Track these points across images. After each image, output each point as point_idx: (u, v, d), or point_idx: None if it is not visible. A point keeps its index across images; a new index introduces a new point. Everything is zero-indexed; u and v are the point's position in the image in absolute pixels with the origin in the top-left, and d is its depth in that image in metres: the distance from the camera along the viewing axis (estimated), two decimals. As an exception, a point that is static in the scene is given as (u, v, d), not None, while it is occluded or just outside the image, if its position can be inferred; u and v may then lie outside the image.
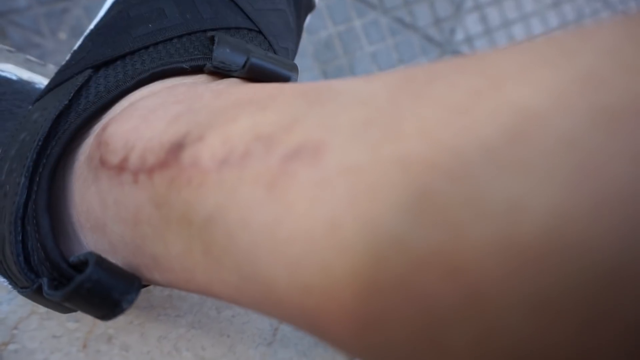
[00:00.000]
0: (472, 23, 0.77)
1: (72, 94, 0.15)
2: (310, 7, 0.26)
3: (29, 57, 0.24)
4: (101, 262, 0.14)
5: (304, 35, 0.67)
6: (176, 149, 0.12)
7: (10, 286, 0.19)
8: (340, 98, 0.10)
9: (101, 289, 0.13)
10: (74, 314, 0.23)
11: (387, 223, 0.07)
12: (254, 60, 0.15)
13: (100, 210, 0.14)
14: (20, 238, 0.15)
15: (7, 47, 0.24)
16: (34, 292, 0.15)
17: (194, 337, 0.25)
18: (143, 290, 0.24)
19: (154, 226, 0.13)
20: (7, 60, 0.24)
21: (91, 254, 0.14)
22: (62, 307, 0.16)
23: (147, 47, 0.16)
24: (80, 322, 0.23)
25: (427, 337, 0.07)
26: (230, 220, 0.10)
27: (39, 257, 0.14)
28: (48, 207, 0.14)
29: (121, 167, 0.14)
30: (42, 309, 0.22)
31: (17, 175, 0.15)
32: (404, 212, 0.07)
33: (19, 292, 0.17)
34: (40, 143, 0.15)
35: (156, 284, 0.15)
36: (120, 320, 0.24)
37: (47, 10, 0.57)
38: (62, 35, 0.57)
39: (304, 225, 0.09)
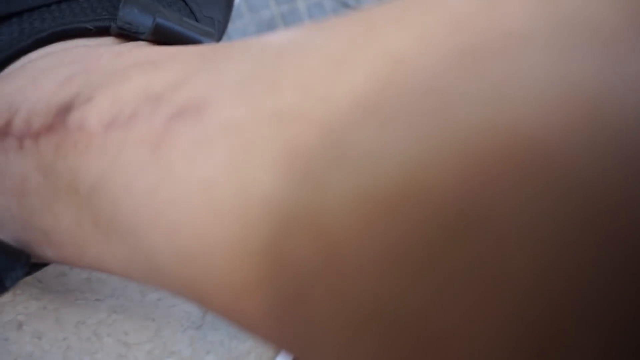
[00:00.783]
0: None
1: None
2: None
3: None
4: None
5: (247, 15, 0.66)
6: (64, 111, 0.11)
7: None
8: (233, 56, 0.10)
9: None
10: (-23, 299, 0.21)
11: (259, 183, 0.07)
12: (160, 20, 0.14)
13: None
14: None
15: None
16: None
17: (116, 322, 0.24)
18: (58, 273, 0.23)
19: (42, 197, 0.12)
20: None
21: None
22: None
23: (49, 5, 0.15)
24: (-16, 309, 0.21)
25: (295, 308, 0.07)
26: (115, 186, 0.10)
27: None
28: None
29: (4, 132, 0.12)
30: (-62, 294, 0.20)
31: None
32: (275, 170, 0.07)
33: None
34: None
35: (49, 261, 0.14)
36: (32, 305, 0.22)
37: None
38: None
39: (182, 188, 0.08)
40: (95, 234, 0.11)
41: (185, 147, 0.09)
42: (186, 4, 0.18)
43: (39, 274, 0.22)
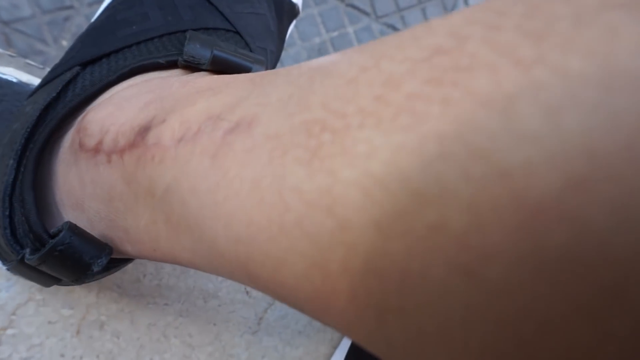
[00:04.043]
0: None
1: (59, 88, 0.17)
2: (293, 13, 0.28)
3: (28, 61, 0.26)
4: (74, 228, 0.15)
5: (298, 42, 0.69)
6: (144, 131, 0.14)
7: (5, 268, 0.21)
8: (277, 80, 0.12)
9: (73, 251, 0.15)
10: (68, 301, 0.24)
11: (289, 177, 0.09)
12: (216, 52, 0.17)
13: (79, 190, 0.16)
14: (8, 213, 0.16)
15: (8, 52, 0.26)
16: (19, 263, 0.16)
17: (182, 325, 0.26)
18: (133, 279, 0.26)
19: (124, 201, 0.15)
20: (8, 64, 0.25)
21: (66, 223, 0.15)
22: (43, 275, 0.17)
23: (130, 46, 0.18)
24: (74, 309, 0.24)
25: (314, 279, 0.09)
26: (183, 189, 0.12)
27: (24, 229, 0.16)
28: (33, 186, 0.16)
29: (97, 149, 0.15)
30: (38, 295, 0.24)
31: (7, 158, 0.17)
32: (302, 166, 0.09)
33: (7, 267, 0.19)
34: (29, 130, 0.17)
35: (129, 256, 0.16)
36: (112, 307, 0.25)
37: (50, 19, 0.59)
38: (64, 43, 0.59)
39: (235, 186, 0.10)
40: (167, 230, 0.13)
41: (238, 154, 0.11)
42: (241, 37, 0.20)
43: (117, 280, 0.26)
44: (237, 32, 0.20)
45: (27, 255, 0.16)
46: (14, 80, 0.24)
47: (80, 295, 0.24)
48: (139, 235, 0.15)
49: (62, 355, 0.24)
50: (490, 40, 0.07)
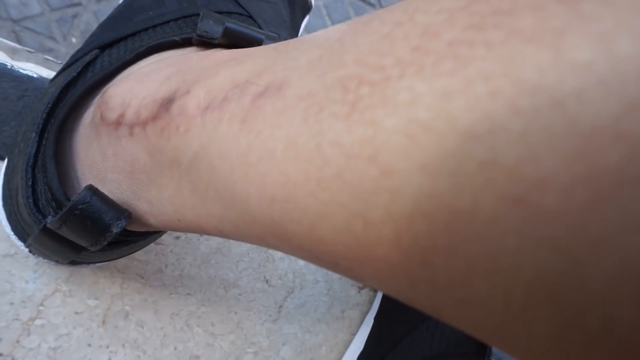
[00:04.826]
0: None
1: (80, 69, 0.18)
2: (306, 8, 0.28)
3: (47, 56, 0.26)
4: (94, 190, 0.16)
5: (304, 34, 0.69)
6: (167, 103, 0.14)
7: (26, 249, 0.21)
8: (303, 46, 0.12)
9: (92, 210, 0.15)
10: (93, 291, 0.25)
11: (327, 132, 0.09)
12: (228, 24, 0.17)
13: (101, 163, 0.16)
14: (31, 183, 0.17)
15: (26, 49, 0.26)
16: (40, 232, 0.17)
17: (204, 314, 0.27)
18: (155, 270, 0.26)
19: (148, 173, 0.15)
20: (27, 59, 0.26)
21: (87, 185, 0.16)
22: (63, 245, 0.17)
23: (146, 29, 0.18)
24: (99, 300, 0.25)
25: (356, 229, 0.09)
26: (212, 154, 0.12)
27: (46, 198, 0.16)
28: (55, 156, 0.17)
29: (118, 122, 0.16)
30: (65, 287, 0.24)
31: (29, 132, 0.17)
32: (340, 120, 0.09)
33: (27, 245, 0.19)
34: (50, 106, 0.17)
35: (151, 228, 0.16)
36: (136, 298, 0.25)
37: (59, 16, 0.59)
38: (74, 40, 0.59)
39: (268, 147, 0.11)
40: (193, 199, 0.13)
41: (269, 116, 0.11)
42: (255, 21, 0.21)
43: (140, 271, 0.26)
44: (251, 16, 0.20)
45: (48, 220, 0.16)
46: (35, 75, 0.25)
47: (105, 286, 0.25)
48: (163, 207, 0.15)
49: (89, 345, 0.24)
50: None
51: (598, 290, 0.06)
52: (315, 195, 0.09)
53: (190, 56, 0.17)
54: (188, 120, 0.13)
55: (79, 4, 0.60)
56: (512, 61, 0.07)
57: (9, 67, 0.24)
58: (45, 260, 0.20)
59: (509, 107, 0.07)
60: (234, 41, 0.18)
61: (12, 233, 0.20)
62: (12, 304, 0.23)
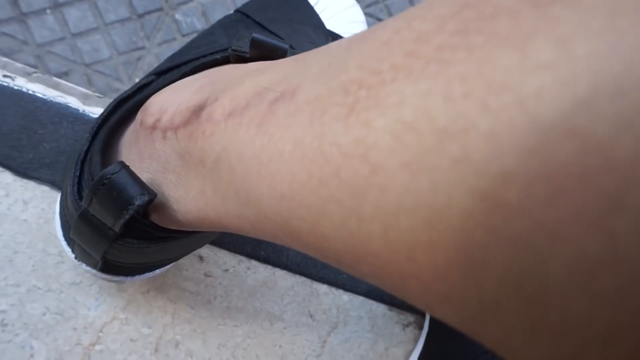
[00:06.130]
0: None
1: (136, 88, 0.20)
2: None
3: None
4: (124, 164, 0.17)
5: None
6: (198, 110, 0.16)
7: (75, 258, 0.23)
8: (317, 55, 0.13)
9: (120, 182, 0.16)
10: (147, 320, 0.26)
11: (328, 134, 0.10)
12: (255, 35, 0.19)
13: (138, 163, 0.18)
14: (78, 174, 0.19)
15: (96, 94, 0.29)
16: (78, 218, 0.18)
17: (250, 346, 0.27)
18: (204, 301, 0.27)
19: (177, 173, 0.16)
20: (97, 104, 0.28)
21: (117, 160, 0.17)
22: (97, 231, 0.18)
23: (197, 58, 0.21)
24: (152, 329, 0.26)
25: (351, 225, 0.09)
26: (231, 156, 0.13)
27: (88, 186, 0.18)
28: (102, 152, 0.19)
29: (154, 127, 0.17)
30: (122, 315, 0.26)
31: (74, 156, 0.20)
32: (340, 121, 0.10)
33: (72, 250, 0.21)
34: (104, 115, 0.20)
35: (179, 225, 0.17)
36: (186, 328, 0.27)
37: (125, 59, 0.64)
38: (137, 79, 0.65)
39: (278, 148, 0.11)
40: (214, 199, 0.14)
41: (281, 119, 0.12)
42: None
43: (190, 302, 0.27)
44: (293, 49, 0.22)
45: (83, 203, 0.17)
46: (103, 118, 0.27)
47: (158, 315, 0.26)
48: (189, 206, 0.16)
49: (142, 372, 0.25)
50: None
51: (557, 285, 0.07)
52: (317, 193, 0.10)
53: (223, 68, 0.19)
54: (214, 125, 0.14)
55: (143, 48, 0.66)
56: (486, 63, 0.07)
57: (81, 111, 0.27)
58: (86, 267, 0.21)
59: (480, 107, 0.07)
60: (262, 52, 0.19)
61: (66, 245, 0.22)
62: (75, 329, 0.25)
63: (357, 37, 0.12)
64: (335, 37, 0.27)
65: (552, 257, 0.07)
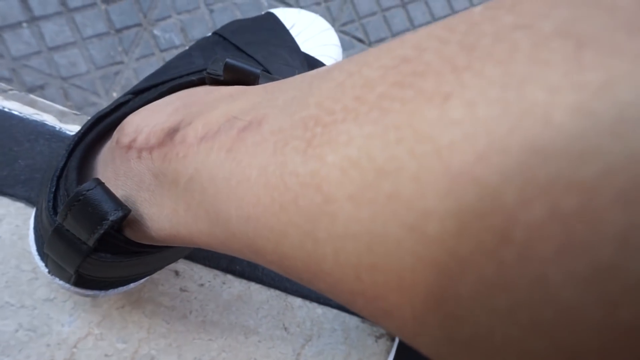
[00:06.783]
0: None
1: (113, 106, 0.21)
2: None
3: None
4: (99, 181, 0.17)
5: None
6: (172, 132, 0.17)
7: (55, 279, 0.23)
8: (283, 86, 0.14)
9: (95, 198, 0.17)
10: (122, 335, 0.26)
11: (289, 164, 0.11)
12: (228, 60, 0.20)
13: (113, 181, 0.19)
14: (54, 190, 0.19)
15: (73, 112, 0.30)
16: (53, 232, 0.19)
17: (225, 360, 0.28)
18: (180, 316, 0.28)
19: (151, 191, 0.17)
20: (74, 121, 0.29)
21: (93, 178, 0.18)
22: (70, 246, 0.18)
23: (174, 78, 0.21)
24: (127, 344, 0.26)
25: (307, 247, 0.10)
26: (203, 178, 0.14)
27: (63, 202, 0.19)
28: (78, 168, 0.19)
29: (129, 146, 0.18)
30: (96, 330, 0.26)
31: (51, 173, 0.20)
32: (299, 154, 0.11)
33: (46, 265, 0.21)
34: (80, 133, 0.20)
35: (152, 240, 0.18)
36: (161, 342, 0.27)
37: (102, 74, 0.64)
38: (114, 94, 0.64)
39: (246, 173, 0.12)
40: (186, 217, 0.15)
41: (249, 147, 0.13)
42: (273, 77, 0.23)
43: (166, 317, 0.27)
44: (268, 72, 0.23)
45: (58, 219, 0.18)
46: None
47: (133, 330, 0.26)
48: (162, 223, 0.17)
49: (117, 387, 0.25)
50: (440, 52, 0.09)
51: (467, 303, 0.08)
52: (278, 217, 0.11)
53: (197, 90, 0.20)
54: (187, 147, 0.15)
55: (121, 62, 0.66)
56: (414, 115, 0.09)
57: (57, 129, 0.27)
58: (60, 281, 0.22)
59: (408, 152, 0.09)
60: (235, 76, 0.20)
61: (40, 260, 0.22)
62: (48, 345, 0.25)
63: (319, 75, 0.13)
64: (309, 59, 0.28)
65: (461, 279, 0.08)
